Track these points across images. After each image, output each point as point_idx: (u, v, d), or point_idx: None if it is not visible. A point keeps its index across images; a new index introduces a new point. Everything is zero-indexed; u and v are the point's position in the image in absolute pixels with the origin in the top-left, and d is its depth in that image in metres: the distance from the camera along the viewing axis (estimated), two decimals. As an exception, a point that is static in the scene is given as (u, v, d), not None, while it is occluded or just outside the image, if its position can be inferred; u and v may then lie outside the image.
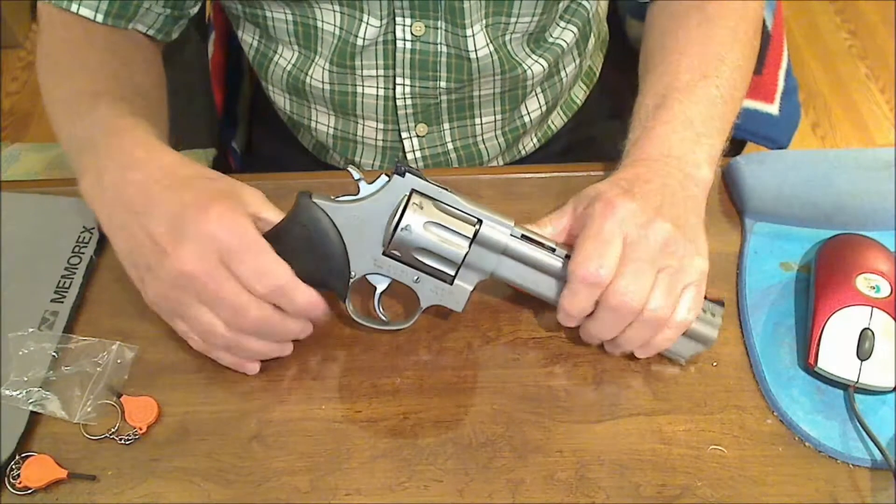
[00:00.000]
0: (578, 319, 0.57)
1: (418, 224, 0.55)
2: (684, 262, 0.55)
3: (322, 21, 0.74)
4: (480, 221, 0.56)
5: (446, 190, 0.56)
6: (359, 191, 0.56)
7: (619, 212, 0.55)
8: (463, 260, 0.56)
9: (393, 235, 0.55)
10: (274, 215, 0.56)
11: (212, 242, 0.52)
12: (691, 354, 0.59)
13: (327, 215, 0.55)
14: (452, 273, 0.56)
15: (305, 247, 0.55)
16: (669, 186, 0.58)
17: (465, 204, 0.56)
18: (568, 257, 0.56)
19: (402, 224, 0.55)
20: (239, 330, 0.55)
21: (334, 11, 0.73)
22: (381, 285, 0.58)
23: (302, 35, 0.76)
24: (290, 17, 0.75)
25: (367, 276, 0.57)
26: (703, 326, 0.58)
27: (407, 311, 0.61)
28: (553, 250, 0.57)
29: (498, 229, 0.56)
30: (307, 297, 0.55)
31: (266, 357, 0.58)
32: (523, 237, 0.56)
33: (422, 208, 0.55)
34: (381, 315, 0.59)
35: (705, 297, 0.58)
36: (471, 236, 0.55)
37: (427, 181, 0.56)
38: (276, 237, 0.54)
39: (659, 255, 0.55)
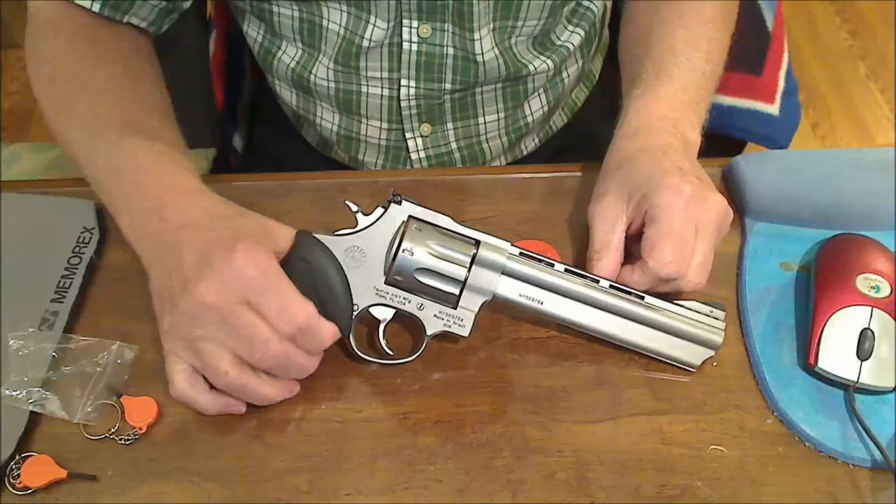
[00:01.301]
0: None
1: (418, 247, 0.56)
2: (725, 221, 0.61)
3: (328, 20, 0.74)
4: (479, 243, 0.57)
5: (443, 215, 0.57)
6: (357, 223, 0.57)
7: (684, 200, 0.58)
8: (465, 280, 0.56)
9: (394, 260, 0.56)
10: None
11: (236, 279, 0.52)
12: (701, 361, 0.59)
13: (328, 249, 0.56)
14: (456, 293, 0.57)
15: (308, 282, 0.55)
16: (674, 147, 0.63)
17: (462, 227, 0.57)
18: (568, 270, 0.58)
19: (402, 247, 0.56)
20: (257, 364, 0.54)
21: (341, 11, 0.73)
22: (386, 318, 0.58)
23: (307, 32, 0.76)
24: (296, 14, 0.75)
25: (371, 309, 0.58)
26: (706, 332, 0.58)
27: (413, 345, 0.61)
28: (552, 265, 0.58)
29: (496, 249, 0.57)
30: (332, 333, 0.55)
31: (267, 402, 0.57)
32: (521, 255, 0.57)
33: (420, 231, 0.56)
34: (386, 348, 0.59)
35: (704, 302, 0.59)
36: (470, 256, 0.56)
37: (424, 207, 0.57)
38: None
39: (715, 231, 0.59)
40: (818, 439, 0.56)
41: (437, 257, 0.56)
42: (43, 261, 0.65)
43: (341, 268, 0.56)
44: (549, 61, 0.80)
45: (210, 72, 0.96)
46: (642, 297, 0.58)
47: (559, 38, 0.80)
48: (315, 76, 0.78)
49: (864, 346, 0.58)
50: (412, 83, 0.77)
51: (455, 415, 0.58)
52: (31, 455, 0.55)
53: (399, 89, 0.77)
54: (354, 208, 0.57)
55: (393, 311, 0.58)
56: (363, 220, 0.57)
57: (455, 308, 0.57)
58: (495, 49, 0.75)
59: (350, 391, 0.59)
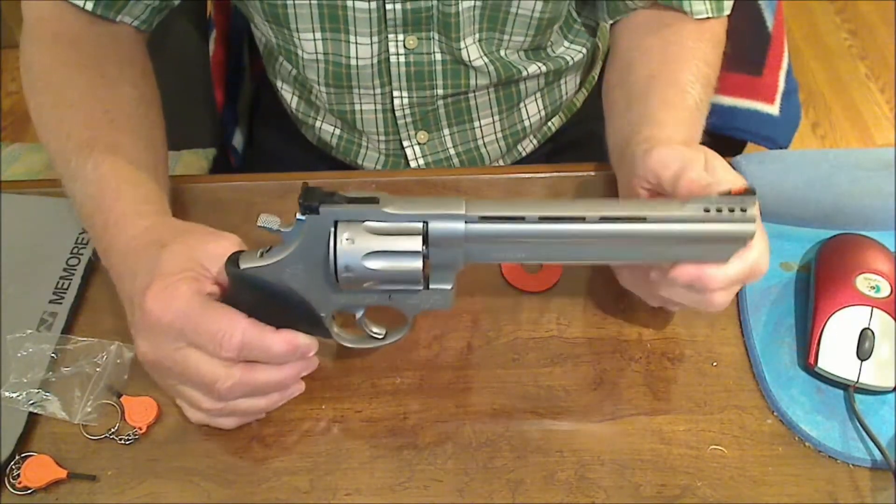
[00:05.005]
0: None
1: (356, 261, 0.49)
2: None
3: (303, 51, 0.74)
4: (426, 223, 0.49)
5: (375, 200, 0.49)
6: (283, 240, 0.51)
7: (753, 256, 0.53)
8: (425, 270, 0.50)
9: (338, 278, 0.50)
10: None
11: (160, 331, 0.50)
12: (730, 255, 0.52)
13: (267, 280, 0.51)
14: (420, 287, 0.51)
15: (265, 311, 0.51)
16: None
17: (401, 211, 0.49)
18: (543, 218, 0.49)
19: (339, 268, 0.49)
20: (225, 398, 0.53)
21: (315, 40, 0.73)
22: (359, 311, 0.54)
23: (287, 57, 0.77)
24: (273, 40, 0.75)
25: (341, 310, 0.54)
26: (733, 226, 0.49)
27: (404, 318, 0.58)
28: (523, 218, 0.49)
29: (449, 223, 0.49)
30: (284, 342, 0.52)
31: (272, 409, 0.56)
32: (481, 219, 0.49)
33: (353, 242, 0.49)
34: (373, 334, 0.56)
35: (731, 193, 0.50)
36: (419, 248, 0.49)
37: (348, 201, 0.49)
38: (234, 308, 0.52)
39: None
40: (818, 439, 0.56)
41: (384, 264, 0.49)
42: (41, 262, 0.65)
43: (290, 289, 0.51)
44: (543, 67, 0.80)
45: (210, 71, 0.96)
46: (644, 219, 0.49)
47: (553, 52, 0.81)
48: (313, 91, 0.79)
49: (864, 346, 0.58)
50: (404, 93, 0.77)
51: (455, 415, 0.58)
52: (31, 455, 0.55)
53: (392, 101, 0.78)
54: (275, 227, 0.50)
55: (362, 308, 0.54)
56: (288, 236, 0.50)
57: (427, 289, 0.52)
58: (484, 58, 0.75)
59: (350, 391, 0.59)
